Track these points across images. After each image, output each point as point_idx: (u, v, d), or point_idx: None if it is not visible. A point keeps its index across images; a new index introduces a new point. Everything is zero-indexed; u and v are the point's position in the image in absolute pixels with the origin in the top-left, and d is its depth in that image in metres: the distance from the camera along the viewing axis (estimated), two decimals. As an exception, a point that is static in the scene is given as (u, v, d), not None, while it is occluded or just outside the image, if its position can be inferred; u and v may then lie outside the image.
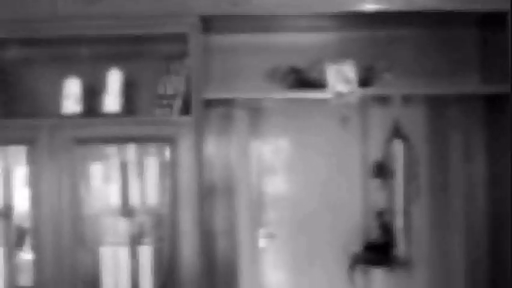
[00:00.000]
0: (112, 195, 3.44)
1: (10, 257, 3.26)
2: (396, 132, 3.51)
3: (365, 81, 3.34)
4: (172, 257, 3.15)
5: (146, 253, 3.26)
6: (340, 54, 3.42)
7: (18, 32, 3.24)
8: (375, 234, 3.48)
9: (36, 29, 3.20)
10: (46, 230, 3.13)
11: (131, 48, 3.54)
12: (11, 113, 3.54)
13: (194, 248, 3.12)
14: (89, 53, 3.58)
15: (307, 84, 3.34)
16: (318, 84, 3.27)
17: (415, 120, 3.55)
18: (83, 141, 3.14)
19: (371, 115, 3.59)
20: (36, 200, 3.16)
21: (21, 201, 3.30)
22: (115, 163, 3.40)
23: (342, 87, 3.23)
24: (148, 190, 3.33)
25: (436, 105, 3.57)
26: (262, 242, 3.61)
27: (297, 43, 3.59)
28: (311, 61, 3.37)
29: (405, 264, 3.43)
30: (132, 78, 3.48)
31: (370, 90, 3.28)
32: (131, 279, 3.25)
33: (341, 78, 3.24)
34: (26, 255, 3.31)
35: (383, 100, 3.48)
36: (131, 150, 3.39)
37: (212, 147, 3.56)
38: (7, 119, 3.36)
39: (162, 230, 3.44)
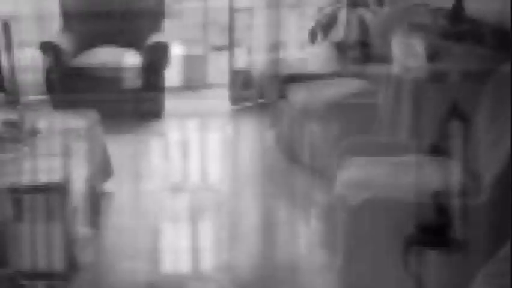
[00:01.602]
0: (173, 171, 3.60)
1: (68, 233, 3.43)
2: (455, 111, 3.45)
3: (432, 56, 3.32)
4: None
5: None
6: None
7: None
8: (431, 216, 3.41)
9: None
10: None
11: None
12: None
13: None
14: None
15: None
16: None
17: (475, 99, 3.48)
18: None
19: (427, 91, 3.57)
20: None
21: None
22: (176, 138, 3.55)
23: (410, 62, 3.23)
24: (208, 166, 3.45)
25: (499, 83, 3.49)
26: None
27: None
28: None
29: (462, 247, 3.32)
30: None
31: (438, 65, 3.24)
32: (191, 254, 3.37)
33: (409, 53, 3.24)
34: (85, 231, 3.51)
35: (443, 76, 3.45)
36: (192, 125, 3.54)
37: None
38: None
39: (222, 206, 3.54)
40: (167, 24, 6.56)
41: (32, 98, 6.43)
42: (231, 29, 6.15)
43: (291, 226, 4.05)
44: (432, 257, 3.18)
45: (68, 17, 6.40)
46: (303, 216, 4.16)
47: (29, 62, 6.37)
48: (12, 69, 6.24)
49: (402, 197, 3.08)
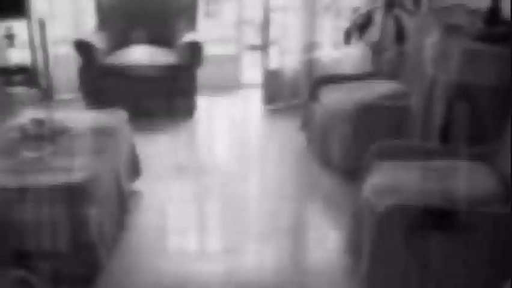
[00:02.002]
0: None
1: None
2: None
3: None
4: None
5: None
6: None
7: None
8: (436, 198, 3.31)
9: None
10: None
11: None
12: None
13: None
14: None
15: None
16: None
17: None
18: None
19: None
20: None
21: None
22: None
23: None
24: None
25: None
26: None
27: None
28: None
29: (467, 229, 3.21)
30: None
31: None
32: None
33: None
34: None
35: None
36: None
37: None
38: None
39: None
40: (203, 23, 6.54)
41: (65, 95, 6.46)
42: (265, 28, 6.09)
43: (318, 229, 3.99)
44: (437, 239, 3.07)
45: (103, 15, 6.41)
46: (331, 220, 4.09)
47: (63, 60, 6.40)
48: (46, 66, 6.28)
49: (431, 204, 2.99)
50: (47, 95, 6.27)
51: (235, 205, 4.24)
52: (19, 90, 6.48)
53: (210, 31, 7.34)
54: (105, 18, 6.41)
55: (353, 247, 3.38)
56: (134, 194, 4.29)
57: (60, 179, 3.19)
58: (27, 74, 6.21)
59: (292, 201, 4.30)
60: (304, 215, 4.17)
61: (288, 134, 5.43)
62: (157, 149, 5.18)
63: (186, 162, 4.94)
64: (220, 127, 5.80)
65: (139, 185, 4.40)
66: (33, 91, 6.33)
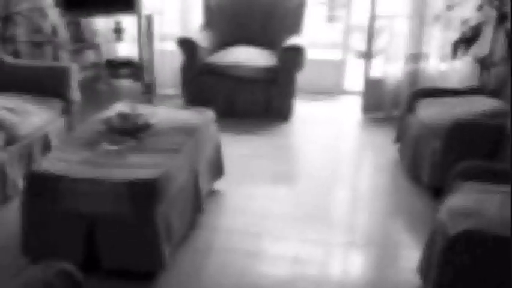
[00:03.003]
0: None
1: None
2: None
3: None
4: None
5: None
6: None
7: None
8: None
9: None
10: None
11: None
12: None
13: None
14: None
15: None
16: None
17: None
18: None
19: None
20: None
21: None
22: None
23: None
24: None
25: None
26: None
27: None
28: None
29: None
30: None
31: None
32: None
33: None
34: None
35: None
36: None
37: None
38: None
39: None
40: (323, 28, 6.48)
41: (167, 90, 6.58)
42: (369, 36, 5.96)
43: (396, 246, 3.85)
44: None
45: (210, 14, 6.48)
46: (412, 238, 3.93)
47: (167, 56, 6.52)
48: (151, 61, 6.42)
49: (508, 233, 2.80)
50: (149, 90, 6.41)
51: (316, 213, 4.16)
52: (124, 83, 6.67)
53: (328, 36, 7.31)
54: (211, 17, 6.48)
55: (425, 269, 3.23)
56: (214, 194, 4.31)
57: (131, 174, 3.22)
58: (132, 68, 6.37)
59: (375, 214, 4.17)
60: (385, 230, 4.03)
61: (383, 145, 5.29)
62: (248, 150, 5.18)
63: (275, 166, 4.90)
64: (315, 132, 5.71)
65: (221, 185, 4.41)
66: (136, 85, 6.49)
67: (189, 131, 3.86)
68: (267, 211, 4.17)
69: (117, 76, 6.45)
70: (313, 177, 4.74)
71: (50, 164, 3.37)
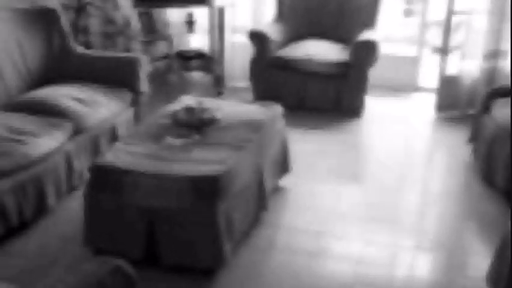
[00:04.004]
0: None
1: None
2: None
3: None
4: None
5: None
6: None
7: None
8: None
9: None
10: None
11: None
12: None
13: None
14: None
15: None
16: None
17: None
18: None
19: None
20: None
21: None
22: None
23: None
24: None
25: None
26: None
27: None
28: None
29: None
30: None
31: None
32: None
33: None
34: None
35: None
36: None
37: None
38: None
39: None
40: (400, 21, 6.33)
41: (237, 83, 6.54)
42: (446, 31, 5.77)
43: (465, 252, 3.70)
44: None
45: (283, 6, 6.41)
46: (483, 244, 3.78)
47: (238, 48, 6.48)
48: (221, 53, 6.39)
49: None
50: (219, 82, 6.38)
51: (383, 214, 4.05)
52: (195, 75, 6.67)
53: (403, 31, 7.13)
54: (283, 10, 6.41)
55: (495, 278, 3.08)
56: (279, 190, 4.24)
57: (195, 170, 3.19)
58: (203, 60, 6.36)
59: (445, 217, 4.03)
60: (455, 234, 3.88)
61: (456, 145, 5.11)
62: (315, 147, 5.08)
63: (342, 163, 4.80)
64: (386, 130, 5.56)
65: (286, 182, 4.34)
66: (207, 77, 6.48)
67: (255, 127, 3.80)
68: (332, 210, 4.08)
69: (188, 68, 6.44)
70: (382, 177, 4.62)
71: (115, 156, 3.37)
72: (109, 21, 5.76)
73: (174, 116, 3.85)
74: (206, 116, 3.80)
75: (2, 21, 4.64)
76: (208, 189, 3.11)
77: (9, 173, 3.55)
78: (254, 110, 4.11)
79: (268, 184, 3.92)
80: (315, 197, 4.25)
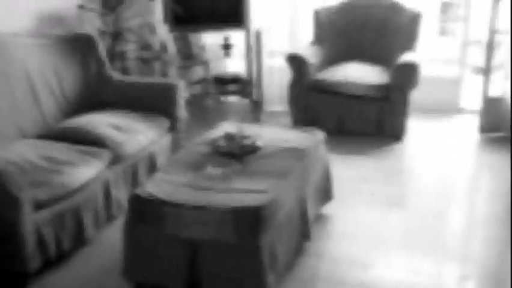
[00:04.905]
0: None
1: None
2: None
3: None
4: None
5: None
6: None
7: None
8: None
9: None
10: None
11: None
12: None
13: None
14: None
15: None
16: None
17: None
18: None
19: None
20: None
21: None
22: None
23: None
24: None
25: None
26: None
27: None
28: None
29: None
30: None
31: None
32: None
33: None
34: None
35: None
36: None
37: None
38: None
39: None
40: (436, 41, 6.20)
41: (275, 107, 6.46)
42: (489, 51, 5.62)
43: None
44: None
45: (321, 29, 6.32)
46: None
47: (276, 72, 6.41)
48: (259, 77, 6.32)
49: None
50: (257, 106, 6.30)
51: (428, 242, 3.90)
52: (232, 99, 6.60)
53: (440, 51, 6.97)
54: (321, 33, 6.32)
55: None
56: (321, 218, 4.12)
57: (236, 200, 3.09)
58: (240, 84, 6.29)
59: (492, 244, 3.87)
60: (503, 262, 3.71)
61: (501, 168, 4.94)
62: (357, 172, 4.96)
63: (385, 189, 4.66)
64: (429, 153, 5.41)
65: (329, 209, 4.22)
66: (244, 101, 6.40)
67: (298, 154, 3.69)
68: (376, 238, 3.94)
69: (225, 92, 6.38)
70: (426, 202, 4.47)
71: (154, 186, 3.29)
72: (146, 46, 5.73)
73: (214, 143, 3.76)
74: (247, 143, 3.71)
75: (39, 48, 4.63)
76: (250, 221, 3.00)
77: (47, 203, 3.48)
78: (296, 137, 4.00)
79: (311, 212, 3.80)
80: (358, 225, 4.11)
